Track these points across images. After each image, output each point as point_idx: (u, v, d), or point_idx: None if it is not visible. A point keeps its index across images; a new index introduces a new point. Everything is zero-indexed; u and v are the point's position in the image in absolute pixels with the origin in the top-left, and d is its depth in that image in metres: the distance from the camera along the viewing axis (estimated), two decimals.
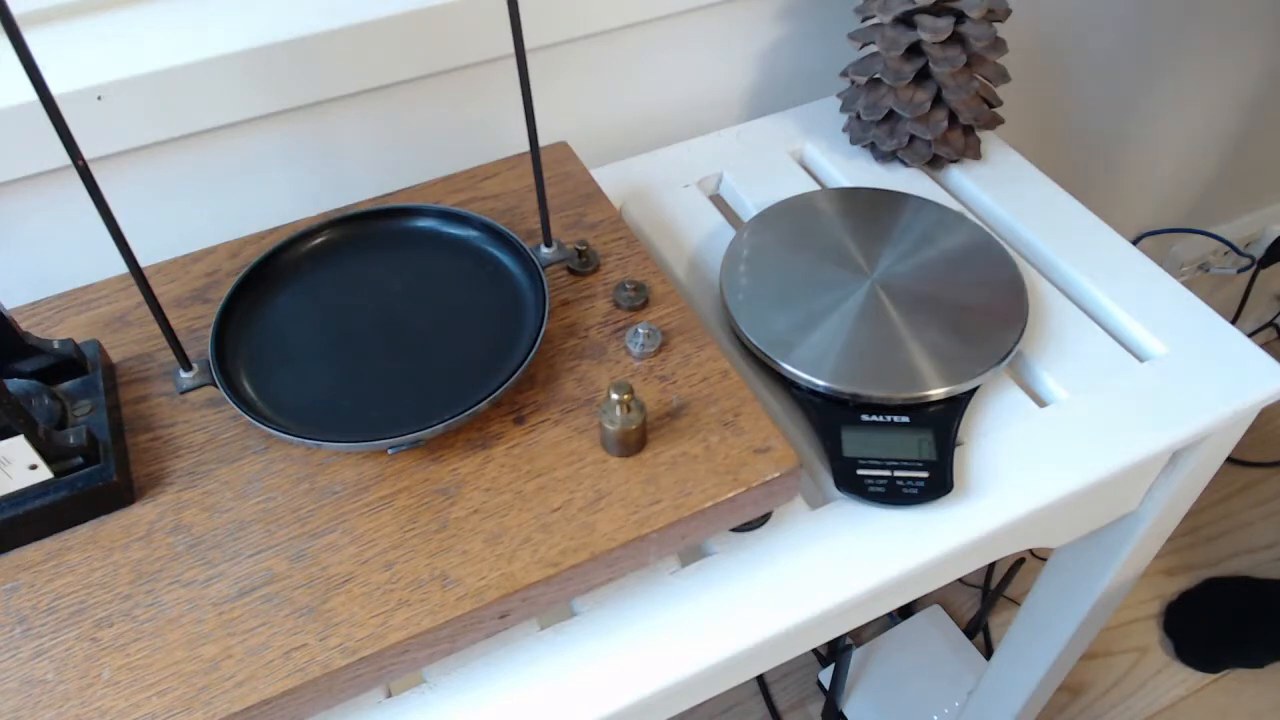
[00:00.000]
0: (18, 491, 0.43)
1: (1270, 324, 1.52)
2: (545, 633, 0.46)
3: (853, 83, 0.68)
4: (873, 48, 0.65)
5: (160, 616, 0.41)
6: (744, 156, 0.69)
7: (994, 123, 0.68)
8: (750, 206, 0.65)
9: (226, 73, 0.57)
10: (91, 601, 0.41)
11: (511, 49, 0.63)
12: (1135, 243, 0.93)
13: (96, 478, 0.43)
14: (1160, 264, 0.81)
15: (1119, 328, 0.59)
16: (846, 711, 1.13)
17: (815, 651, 1.22)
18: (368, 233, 0.54)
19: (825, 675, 1.17)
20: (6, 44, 0.35)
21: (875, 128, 0.67)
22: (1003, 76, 0.65)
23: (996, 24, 0.63)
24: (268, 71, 0.58)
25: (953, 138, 0.67)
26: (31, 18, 0.58)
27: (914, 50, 0.64)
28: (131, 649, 0.40)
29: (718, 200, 0.69)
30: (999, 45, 0.63)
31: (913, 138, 0.66)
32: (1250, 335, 0.95)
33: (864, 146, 0.70)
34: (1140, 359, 0.56)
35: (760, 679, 1.21)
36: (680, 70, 0.73)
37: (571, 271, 0.54)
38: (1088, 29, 0.90)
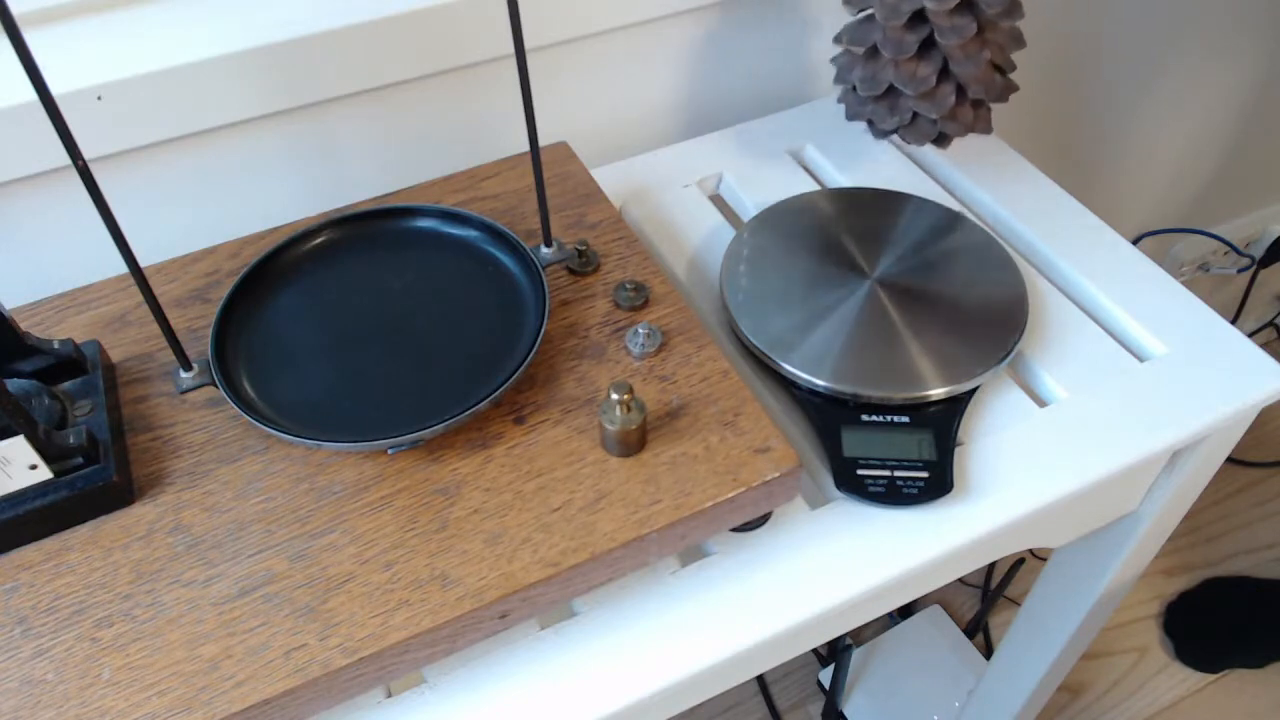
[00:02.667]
0: (18, 491, 0.43)
1: (1270, 324, 1.52)
2: (545, 633, 0.46)
3: (848, 51, 0.59)
4: (869, 11, 0.57)
5: (160, 616, 0.41)
6: (744, 156, 0.69)
7: (1008, 91, 0.59)
8: (750, 206, 0.65)
9: (226, 73, 0.57)
10: (91, 601, 0.41)
11: (511, 49, 0.63)
12: (1135, 243, 0.93)
13: (96, 478, 0.43)
14: (1160, 264, 0.81)
15: (1119, 328, 0.58)
16: (846, 711, 1.13)
17: (815, 651, 1.22)
18: (368, 233, 0.54)
19: (825, 675, 1.17)
20: (6, 44, 0.35)
21: (873, 103, 0.60)
22: (1017, 41, 0.57)
23: None
24: (268, 71, 0.58)
25: (961, 113, 0.59)
26: (31, 18, 0.58)
27: (917, 17, 0.56)
28: (131, 649, 0.40)
29: (718, 200, 0.69)
30: (1014, 9, 0.54)
31: (915, 115, 0.60)
32: (1250, 335, 0.95)
33: (863, 124, 0.62)
34: (1140, 359, 0.56)
35: (760, 679, 1.21)
36: (680, 70, 0.73)
37: (571, 271, 0.54)
38: (1088, 29, 0.90)
